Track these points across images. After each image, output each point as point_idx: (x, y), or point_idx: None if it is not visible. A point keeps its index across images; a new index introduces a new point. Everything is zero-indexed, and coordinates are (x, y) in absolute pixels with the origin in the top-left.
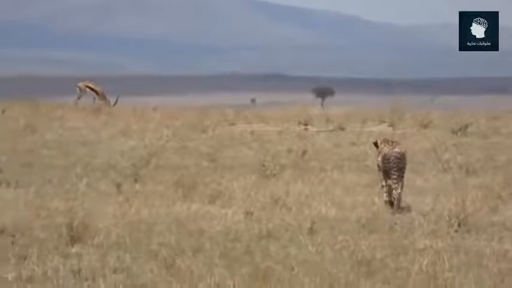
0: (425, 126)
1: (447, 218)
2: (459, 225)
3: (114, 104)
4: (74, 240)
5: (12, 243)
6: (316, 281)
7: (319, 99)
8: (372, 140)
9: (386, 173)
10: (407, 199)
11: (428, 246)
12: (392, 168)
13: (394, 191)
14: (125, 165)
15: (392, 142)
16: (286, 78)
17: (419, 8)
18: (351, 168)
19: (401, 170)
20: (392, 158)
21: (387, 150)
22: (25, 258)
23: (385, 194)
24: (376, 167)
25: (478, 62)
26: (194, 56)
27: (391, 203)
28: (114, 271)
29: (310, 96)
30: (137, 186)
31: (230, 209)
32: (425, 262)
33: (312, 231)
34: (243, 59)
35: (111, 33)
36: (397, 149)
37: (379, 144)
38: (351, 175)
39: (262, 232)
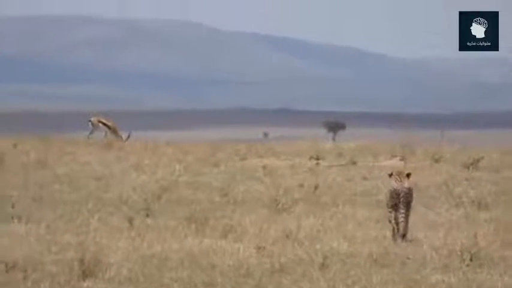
0: (437, 160)
1: (459, 252)
2: (471, 259)
3: (127, 139)
4: (85, 275)
5: (24, 278)
6: None
7: (331, 134)
8: (387, 172)
9: (394, 207)
10: (419, 234)
11: (441, 281)
12: (402, 203)
13: (400, 224)
14: (137, 200)
15: (402, 176)
16: (296, 112)
17: (426, 41)
18: (363, 202)
19: (408, 205)
20: (402, 193)
21: (396, 185)
22: None
23: (393, 227)
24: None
25: (487, 95)
26: (205, 89)
27: (401, 235)
28: None
29: (321, 131)
30: (149, 221)
31: (242, 243)
32: None
33: (323, 266)
34: (253, 93)
35: (120, 67)
36: (406, 185)
37: (393, 176)
38: (363, 210)
39: (274, 267)
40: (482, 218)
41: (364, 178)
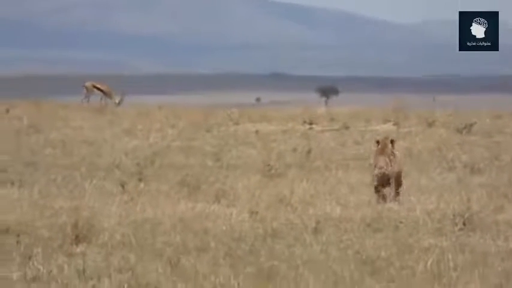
0: (430, 125)
1: (452, 216)
2: (464, 223)
3: (119, 103)
4: (78, 239)
5: (17, 242)
6: (321, 280)
7: (324, 98)
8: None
9: (381, 186)
10: (412, 198)
11: (433, 245)
12: (388, 184)
13: (388, 197)
14: (129, 165)
15: (391, 142)
16: (290, 77)
17: (420, 6)
18: (356, 167)
19: (398, 184)
20: (389, 176)
21: (383, 164)
22: (30, 258)
23: (377, 196)
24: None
25: (480, 60)
26: (198, 54)
27: (384, 198)
28: (119, 271)
29: (314, 96)
30: (142, 185)
31: (235, 208)
32: (430, 261)
33: (316, 230)
34: (247, 58)
35: (112, 31)
36: (396, 169)
37: (380, 143)
38: (356, 174)
39: (267, 231)
40: (475, 183)
41: (357, 142)
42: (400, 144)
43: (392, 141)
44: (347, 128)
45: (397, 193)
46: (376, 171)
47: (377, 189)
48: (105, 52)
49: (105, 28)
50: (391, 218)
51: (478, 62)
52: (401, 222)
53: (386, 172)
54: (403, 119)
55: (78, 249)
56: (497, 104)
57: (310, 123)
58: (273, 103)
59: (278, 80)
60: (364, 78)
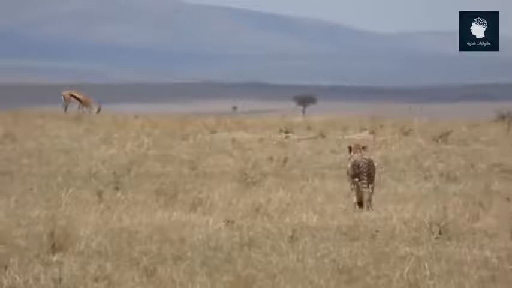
0: (406, 133)
1: (428, 225)
2: (440, 232)
3: (98, 112)
4: (55, 248)
5: None
6: None
7: (301, 107)
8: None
9: (355, 178)
10: (388, 207)
11: (410, 254)
12: (362, 173)
13: (364, 194)
14: (106, 174)
15: (361, 148)
16: (268, 86)
17: (401, 17)
18: (332, 175)
19: (370, 175)
20: (361, 164)
21: (357, 157)
22: (6, 267)
23: (354, 197)
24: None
25: (457, 69)
26: (175, 63)
27: (359, 204)
28: (96, 279)
29: (291, 104)
30: (118, 194)
31: (211, 217)
32: (406, 270)
33: (293, 239)
34: (224, 67)
35: (90, 42)
36: (366, 157)
37: (352, 149)
38: (332, 183)
39: (244, 240)
40: (451, 191)
41: (333, 151)
42: (372, 151)
43: (363, 147)
44: (323, 136)
45: (370, 188)
46: (351, 161)
47: (353, 183)
48: (83, 62)
49: (84, 39)
50: (367, 226)
51: (455, 71)
52: (377, 231)
53: (358, 161)
54: (379, 128)
55: (55, 258)
56: (474, 112)
57: (287, 132)
58: (250, 112)
59: (255, 89)
60: (344, 88)
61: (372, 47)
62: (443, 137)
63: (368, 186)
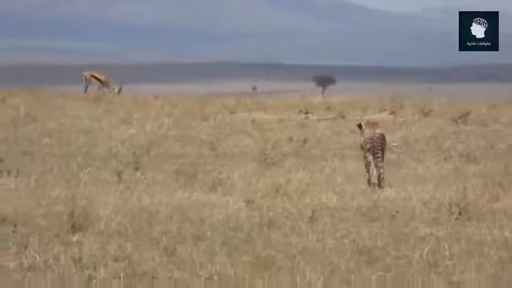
0: (426, 114)
1: (448, 206)
2: (460, 213)
3: (119, 92)
4: (75, 228)
5: (13, 232)
6: (317, 269)
7: (320, 88)
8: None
9: (369, 152)
10: (408, 187)
11: (429, 234)
12: (376, 147)
13: (379, 169)
14: (125, 154)
15: (373, 124)
16: (287, 66)
17: None
18: (352, 156)
19: (383, 150)
20: (375, 138)
21: (369, 131)
22: (26, 247)
23: (367, 174)
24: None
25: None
26: (194, 43)
27: (374, 181)
28: (115, 259)
29: (311, 85)
30: (138, 174)
31: (231, 197)
32: (426, 250)
33: (313, 219)
34: (243, 46)
35: (109, 22)
36: (378, 131)
37: (362, 126)
38: (352, 163)
39: (263, 220)
40: (470, 172)
41: (353, 132)
42: (393, 132)
43: (375, 123)
44: (343, 117)
45: (381, 161)
46: (364, 137)
47: (366, 158)
48: (102, 42)
49: (103, 19)
50: (387, 207)
51: (475, 52)
52: (397, 212)
53: (372, 135)
54: (399, 108)
55: (75, 238)
56: (493, 93)
57: (306, 113)
58: (269, 92)
59: (274, 69)
60: (361, 68)
61: (389, 26)
62: (463, 117)
63: (382, 160)
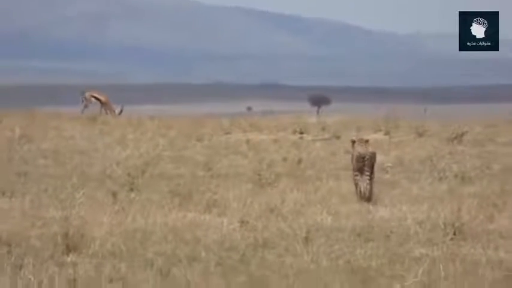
0: (421, 134)
1: (443, 226)
2: (455, 233)
3: (120, 113)
4: (69, 249)
5: (8, 252)
6: None
7: (315, 108)
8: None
9: (359, 171)
10: (403, 207)
11: (424, 255)
12: (367, 166)
13: (366, 185)
14: (120, 174)
15: (365, 142)
16: (281, 87)
17: (414, 17)
18: (347, 177)
19: (372, 167)
20: (366, 157)
21: (361, 149)
22: (21, 268)
23: (356, 190)
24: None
25: (470, 70)
26: (190, 64)
27: (365, 198)
28: (110, 280)
29: (305, 105)
30: (133, 195)
31: (226, 217)
32: (420, 270)
33: (307, 240)
34: (239, 68)
35: (106, 42)
36: (370, 149)
37: (355, 142)
38: (347, 184)
39: (258, 241)
40: (465, 192)
41: (348, 152)
42: (388, 152)
43: (366, 141)
44: (338, 137)
45: (370, 179)
46: (355, 154)
47: (355, 176)
48: (98, 63)
49: (97, 39)
50: (382, 227)
51: (470, 72)
52: (392, 232)
53: (363, 153)
54: (394, 129)
55: (69, 258)
56: (489, 113)
57: (301, 133)
58: (264, 112)
59: (269, 90)
60: (356, 89)
61: (384, 48)
62: (458, 137)
63: (370, 179)
